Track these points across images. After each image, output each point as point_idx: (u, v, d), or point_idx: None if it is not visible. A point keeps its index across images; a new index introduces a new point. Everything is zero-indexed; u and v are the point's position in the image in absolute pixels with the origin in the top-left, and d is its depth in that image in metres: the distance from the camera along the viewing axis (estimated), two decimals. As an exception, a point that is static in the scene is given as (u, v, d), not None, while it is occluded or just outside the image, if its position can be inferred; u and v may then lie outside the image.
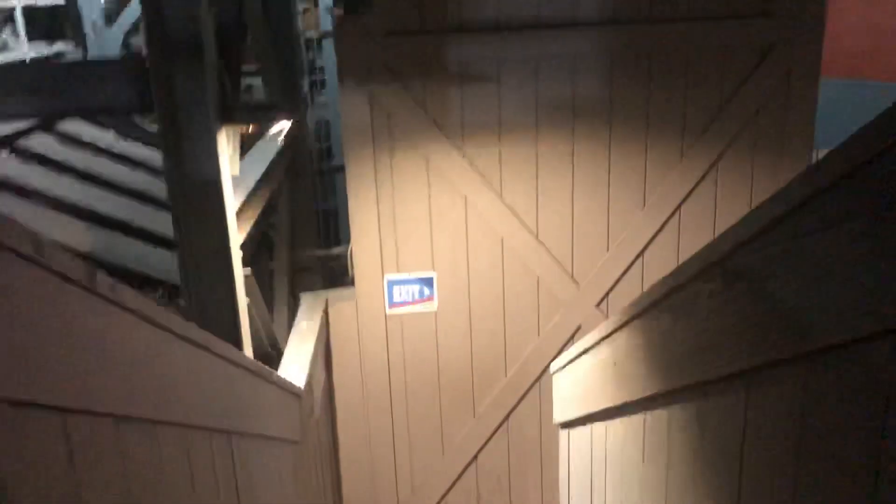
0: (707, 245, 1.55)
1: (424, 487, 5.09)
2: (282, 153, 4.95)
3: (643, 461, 2.07)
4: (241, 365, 2.19)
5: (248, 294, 3.61)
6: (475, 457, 5.08)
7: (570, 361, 2.96)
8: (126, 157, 5.04)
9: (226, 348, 1.94)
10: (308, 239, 5.82)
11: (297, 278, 5.55)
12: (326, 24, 9.31)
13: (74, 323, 1.02)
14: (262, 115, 3.85)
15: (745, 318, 1.37)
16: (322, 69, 9.93)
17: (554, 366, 3.34)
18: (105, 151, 5.04)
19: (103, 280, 1.08)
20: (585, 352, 2.65)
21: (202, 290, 3.18)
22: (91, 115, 5.17)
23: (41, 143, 4.76)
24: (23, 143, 4.63)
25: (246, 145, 4.99)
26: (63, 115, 4.70)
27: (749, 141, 4.66)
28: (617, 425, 2.35)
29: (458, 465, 5.08)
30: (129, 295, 1.17)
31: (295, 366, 3.81)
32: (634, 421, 2.15)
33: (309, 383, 3.78)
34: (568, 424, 3.18)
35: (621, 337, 2.13)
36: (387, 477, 5.05)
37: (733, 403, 1.46)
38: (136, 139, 5.57)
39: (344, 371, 4.84)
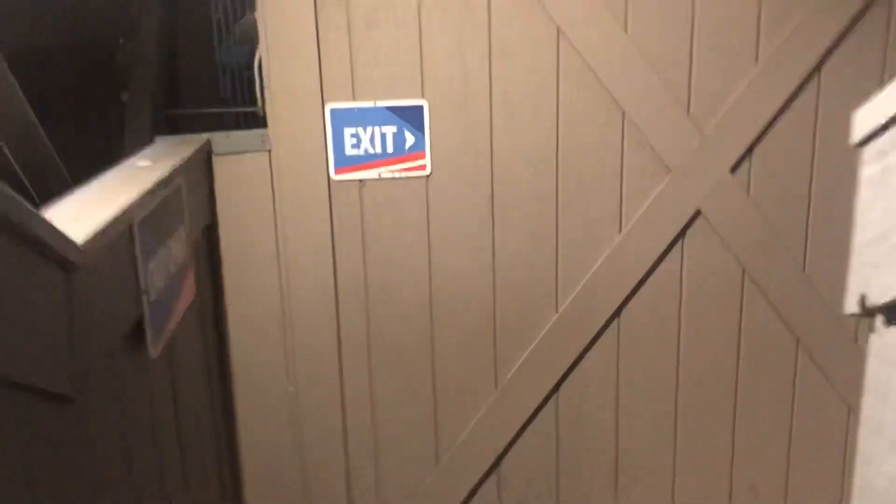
0: None
1: (401, 521, 2.71)
2: None
3: None
4: None
5: None
6: (496, 463, 2.73)
7: None
8: None
9: None
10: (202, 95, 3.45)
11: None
12: None
13: None
14: None
15: None
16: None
17: (863, 123, 1.03)
18: None
19: None
20: None
21: None
22: None
23: None
24: None
25: None
26: None
27: None
28: None
29: (467, 477, 2.72)
30: None
31: (79, 205, 1.44)
32: None
33: (105, 246, 1.41)
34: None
35: None
36: (330, 498, 2.66)
37: None
38: None
39: (244, 287, 2.45)
